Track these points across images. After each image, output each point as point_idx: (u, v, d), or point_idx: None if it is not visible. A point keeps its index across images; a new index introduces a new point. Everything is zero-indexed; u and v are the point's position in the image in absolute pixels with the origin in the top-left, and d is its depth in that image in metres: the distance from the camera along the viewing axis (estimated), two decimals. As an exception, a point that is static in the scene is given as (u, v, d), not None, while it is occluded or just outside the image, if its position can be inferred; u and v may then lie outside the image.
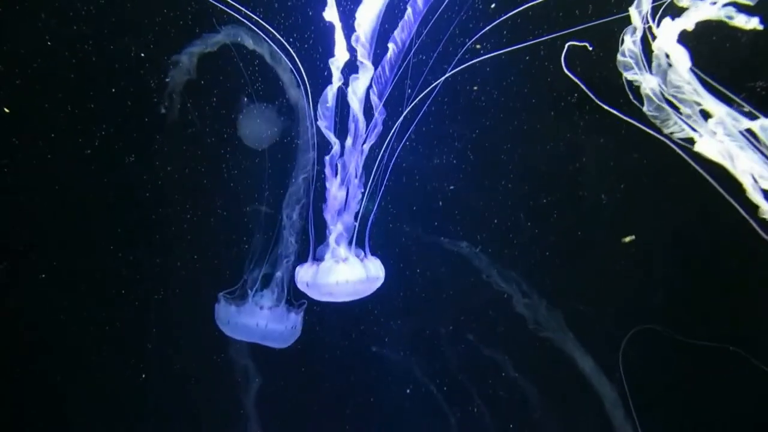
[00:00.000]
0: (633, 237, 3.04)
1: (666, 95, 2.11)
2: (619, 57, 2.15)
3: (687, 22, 2.09)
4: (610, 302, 3.26)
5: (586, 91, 2.34)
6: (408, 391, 3.47)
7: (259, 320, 3.07)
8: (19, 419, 3.43)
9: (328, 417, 3.51)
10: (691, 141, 2.08)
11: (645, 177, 3.08)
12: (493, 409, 3.44)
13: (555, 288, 3.29)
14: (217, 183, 3.16)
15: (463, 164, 3.14)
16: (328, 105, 2.42)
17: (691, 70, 2.08)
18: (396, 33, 2.37)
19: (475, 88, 2.96)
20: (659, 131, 2.14)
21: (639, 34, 2.13)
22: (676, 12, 2.13)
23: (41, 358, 3.37)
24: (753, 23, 2.01)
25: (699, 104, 2.08)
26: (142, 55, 2.92)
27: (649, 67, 2.15)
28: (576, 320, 3.27)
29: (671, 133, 2.11)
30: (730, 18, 2.03)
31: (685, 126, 2.09)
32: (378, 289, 2.77)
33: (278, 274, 3.14)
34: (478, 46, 2.69)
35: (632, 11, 2.14)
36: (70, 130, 3.05)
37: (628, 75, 2.14)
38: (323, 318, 3.26)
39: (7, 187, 3.10)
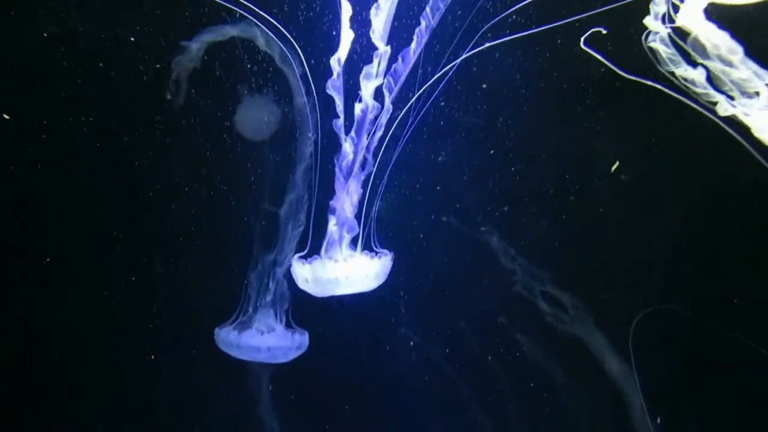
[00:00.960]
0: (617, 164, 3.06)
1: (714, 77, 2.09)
2: (661, 64, 2.14)
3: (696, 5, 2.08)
4: (631, 290, 3.25)
5: (615, 69, 2.32)
6: (426, 379, 3.46)
7: (260, 344, 3.06)
8: (19, 419, 3.39)
9: (341, 409, 3.49)
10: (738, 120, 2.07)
11: (664, 163, 3.07)
12: (513, 398, 3.44)
13: (577, 277, 3.29)
14: (221, 170, 3.16)
15: (480, 153, 3.15)
16: (335, 78, 2.40)
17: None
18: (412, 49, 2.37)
19: (484, 86, 2.97)
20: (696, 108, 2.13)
21: (665, 33, 2.13)
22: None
23: (42, 356, 3.33)
24: None
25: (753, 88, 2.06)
26: (137, 42, 2.91)
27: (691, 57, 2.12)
28: (597, 309, 3.28)
29: (731, 116, 2.08)
30: None
31: (735, 108, 2.06)
32: (392, 280, 2.77)
33: (280, 282, 3.12)
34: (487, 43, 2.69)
35: (648, 20, 2.13)
36: (70, 118, 3.04)
37: (677, 72, 2.13)
38: (335, 308, 3.19)
39: (7, 178, 3.10)
